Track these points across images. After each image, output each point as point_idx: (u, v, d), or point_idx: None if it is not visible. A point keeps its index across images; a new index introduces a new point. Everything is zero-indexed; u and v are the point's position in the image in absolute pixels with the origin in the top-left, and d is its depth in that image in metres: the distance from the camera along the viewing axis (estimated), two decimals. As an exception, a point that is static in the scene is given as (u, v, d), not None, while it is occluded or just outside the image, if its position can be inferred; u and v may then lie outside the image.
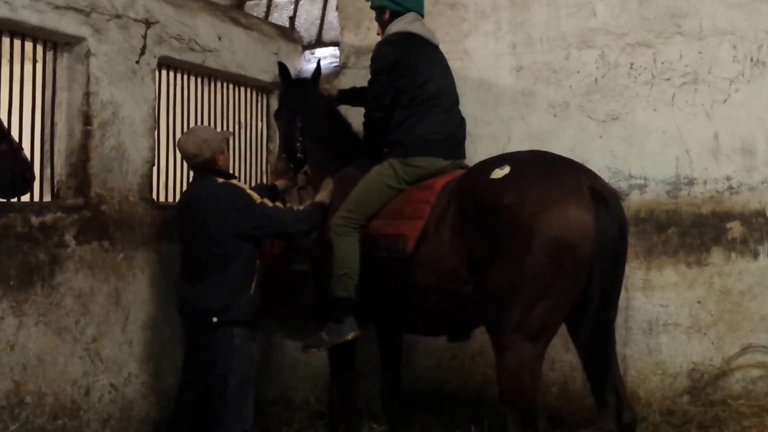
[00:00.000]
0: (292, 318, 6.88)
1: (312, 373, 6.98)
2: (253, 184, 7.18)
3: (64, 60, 5.52)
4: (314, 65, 6.55)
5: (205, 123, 6.62)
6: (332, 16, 7.65)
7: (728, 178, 6.14)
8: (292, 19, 7.71)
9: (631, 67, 6.38)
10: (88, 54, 5.51)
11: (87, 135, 5.52)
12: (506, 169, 4.80)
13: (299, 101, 6.17)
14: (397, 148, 5.50)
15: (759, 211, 6.08)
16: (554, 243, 4.48)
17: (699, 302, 6.18)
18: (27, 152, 5.01)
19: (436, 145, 5.47)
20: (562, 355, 6.32)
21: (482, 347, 6.48)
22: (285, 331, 7.10)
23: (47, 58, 5.50)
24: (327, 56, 7.51)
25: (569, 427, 6.09)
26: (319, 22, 7.74)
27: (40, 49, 5.45)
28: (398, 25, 5.69)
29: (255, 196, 5.37)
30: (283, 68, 6.33)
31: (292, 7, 7.88)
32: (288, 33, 7.54)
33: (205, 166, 5.44)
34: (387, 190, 5.48)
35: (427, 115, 5.48)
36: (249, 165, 7.27)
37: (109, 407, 5.64)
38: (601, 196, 4.61)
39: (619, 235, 4.70)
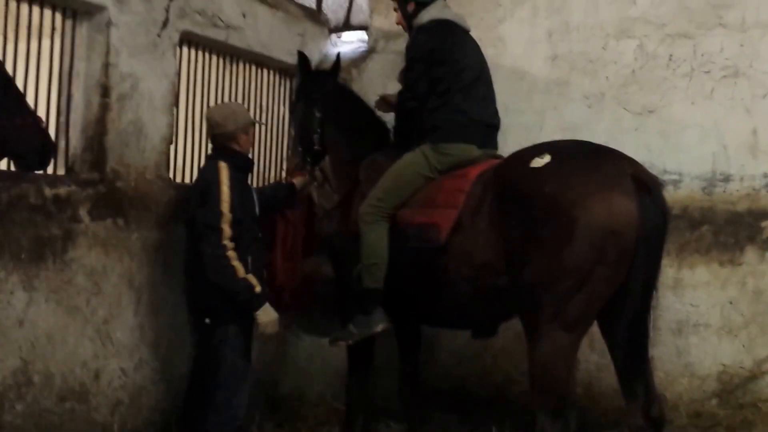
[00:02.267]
0: (308, 311, 6.66)
1: (328, 368, 6.77)
2: (272, 173, 7.03)
3: (83, 29, 5.30)
4: (341, 49, 6.33)
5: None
6: (361, -1, 7.42)
7: (765, 176, 5.91)
8: (319, 1, 7.41)
9: (670, 59, 6.16)
10: (108, 24, 5.28)
11: (104, 107, 5.30)
12: (546, 158, 4.64)
13: (317, 91, 5.93)
14: (430, 134, 5.29)
15: (795, 211, 5.84)
16: (598, 231, 4.33)
17: (731, 303, 5.95)
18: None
19: (471, 132, 5.28)
20: (588, 355, 6.11)
21: (504, 346, 6.38)
22: (301, 325, 6.87)
23: (66, 27, 5.26)
24: (354, 40, 7.31)
25: (594, 429, 5.83)
26: (347, 4, 7.44)
27: (59, 17, 5.22)
28: (431, 13, 5.47)
29: (224, 194, 4.95)
30: (303, 58, 6.06)
31: (320, -12, 7.61)
32: (315, 14, 7.26)
33: (225, 141, 5.20)
34: (418, 178, 5.27)
35: (463, 102, 5.28)
36: (268, 150, 7.03)
37: (119, 392, 5.41)
38: (644, 184, 4.48)
39: (662, 222, 4.59)
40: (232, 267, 4.93)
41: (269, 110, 6.99)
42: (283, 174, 6.86)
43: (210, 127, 5.31)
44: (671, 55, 6.15)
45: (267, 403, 6.46)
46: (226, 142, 5.20)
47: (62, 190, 4.99)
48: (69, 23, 5.27)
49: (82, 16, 5.28)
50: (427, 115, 5.33)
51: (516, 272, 4.60)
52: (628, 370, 4.68)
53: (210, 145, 5.50)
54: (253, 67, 6.77)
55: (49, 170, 5.09)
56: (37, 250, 4.85)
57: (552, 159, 4.62)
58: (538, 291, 4.46)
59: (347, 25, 7.43)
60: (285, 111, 7.10)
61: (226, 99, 6.44)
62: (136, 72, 5.43)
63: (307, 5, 7.33)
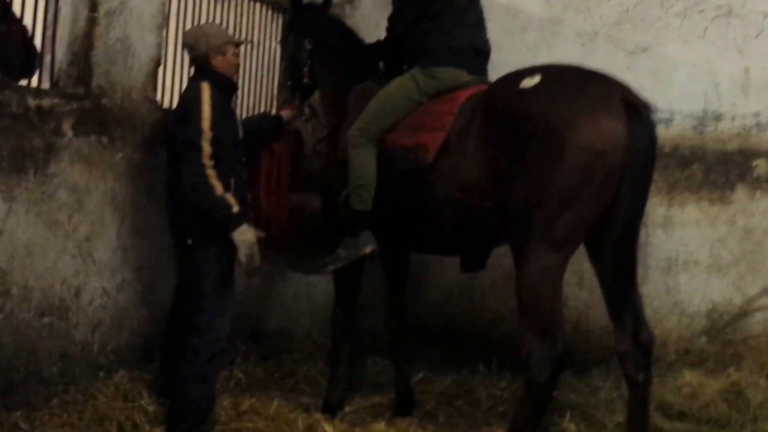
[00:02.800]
0: (295, 248, 6.60)
1: (315, 306, 6.80)
2: (262, 109, 6.98)
3: (72, -58, 5.20)
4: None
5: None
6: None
7: (757, 114, 6.13)
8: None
9: (664, -2, 6.29)
10: (98, -64, 5.21)
11: (92, 22, 5.17)
12: (536, 78, 4.63)
13: (308, 24, 5.89)
14: (421, 57, 5.25)
15: (787, 149, 5.98)
16: (585, 152, 4.33)
17: (720, 241, 6.18)
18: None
19: (461, 57, 5.24)
20: (577, 293, 6.29)
21: (494, 282, 6.51)
22: (288, 261, 6.82)
23: (55, -59, 5.18)
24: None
25: (582, 366, 6.04)
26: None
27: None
28: None
29: (205, 112, 4.86)
30: None
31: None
32: (309, -52, 7.23)
33: (199, 63, 5.13)
34: (407, 102, 5.23)
35: (453, 27, 5.24)
36: (259, 87, 7.01)
37: (100, 312, 5.31)
38: (634, 107, 4.45)
39: (650, 146, 4.55)
40: (210, 185, 4.81)
41: (261, 46, 6.94)
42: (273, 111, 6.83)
43: (186, 49, 5.25)
44: (666, -6, 6.26)
45: (252, 337, 6.43)
46: (204, 64, 5.12)
47: (46, 102, 4.87)
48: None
49: (71, -71, 5.19)
50: (417, 40, 5.29)
51: (503, 193, 4.59)
52: (617, 298, 4.65)
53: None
54: (246, 1, 6.74)
55: (34, 84, 5.05)
56: (18, 161, 4.74)
57: (542, 80, 4.61)
58: (525, 211, 4.46)
59: (342, -38, 7.40)
60: (277, 47, 7.06)
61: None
62: (125, -13, 5.37)
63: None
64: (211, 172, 4.80)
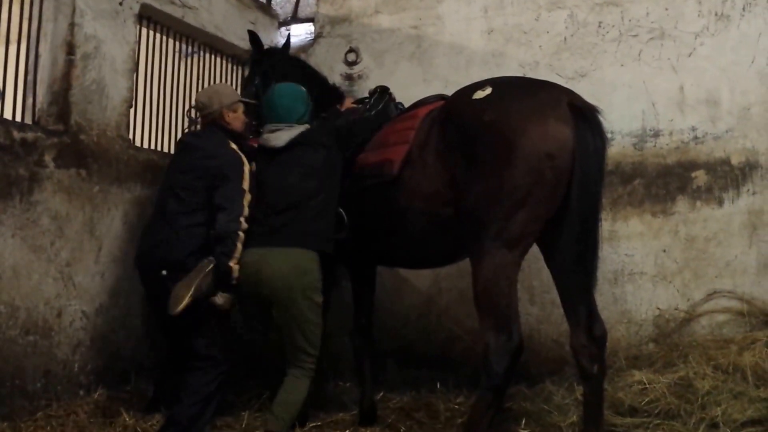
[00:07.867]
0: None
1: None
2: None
3: (50, -7, 6.32)
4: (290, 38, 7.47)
5: (181, 86, 7.68)
6: (308, -7, 8.63)
7: (693, 129, 6.98)
8: (268, -4, 8.70)
9: (600, 26, 7.32)
10: (74, -13, 6.34)
11: (70, 64, 6.32)
12: (488, 90, 5.37)
13: (271, 64, 6.92)
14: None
15: (724, 160, 6.88)
16: (534, 155, 4.99)
17: (664, 251, 6.95)
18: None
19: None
20: (528, 308, 7.09)
21: (448, 304, 7.37)
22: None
23: (34, -6, 6.30)
24: (302, 33, 8.51)
25: (534, 379, 6.77)
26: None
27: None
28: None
29: (246, 174, 5.82)
30: (254, 36, 7.11)
31: (270, -16, 8.83)
32: (265, 7, 8.54)
33: (213, 120, 6.17)
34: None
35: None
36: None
37: (80, 334, 6.29)
38: (580, 111, 5.14)
39: (601, 146, 5.19)
40: (236, 246, 5.66)
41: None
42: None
43: (198, 109, 6.30)
44: (600, 22, 7.32)
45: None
46: (218, 120, 6.16)
47: (29, 135, 5.92)
48: (37, -10, 6.30)
49: (48, -17, 6.33)
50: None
51: (460, 198, 5.29)
52: (572, 294, 5.25)
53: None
54: (207, 54, 7.97)
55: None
56: (5, 188, 5.71)
57: (492, 91, 5.34)
58: (480, 211, 5.11)
59: (295, 18, 8.69)
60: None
61: (182, 80, 7.66)
62: (99, 35, 6.50)
63: (258, -1, 8.55)
64: (242, 235, 5.71)
